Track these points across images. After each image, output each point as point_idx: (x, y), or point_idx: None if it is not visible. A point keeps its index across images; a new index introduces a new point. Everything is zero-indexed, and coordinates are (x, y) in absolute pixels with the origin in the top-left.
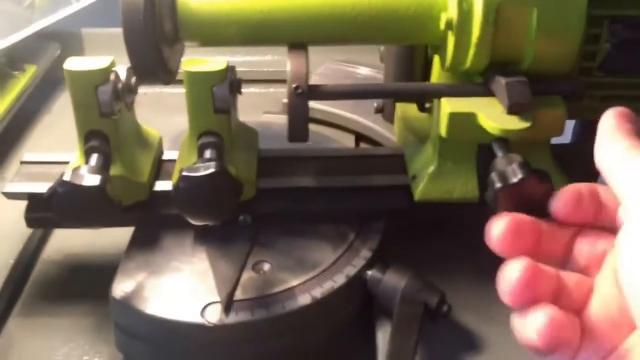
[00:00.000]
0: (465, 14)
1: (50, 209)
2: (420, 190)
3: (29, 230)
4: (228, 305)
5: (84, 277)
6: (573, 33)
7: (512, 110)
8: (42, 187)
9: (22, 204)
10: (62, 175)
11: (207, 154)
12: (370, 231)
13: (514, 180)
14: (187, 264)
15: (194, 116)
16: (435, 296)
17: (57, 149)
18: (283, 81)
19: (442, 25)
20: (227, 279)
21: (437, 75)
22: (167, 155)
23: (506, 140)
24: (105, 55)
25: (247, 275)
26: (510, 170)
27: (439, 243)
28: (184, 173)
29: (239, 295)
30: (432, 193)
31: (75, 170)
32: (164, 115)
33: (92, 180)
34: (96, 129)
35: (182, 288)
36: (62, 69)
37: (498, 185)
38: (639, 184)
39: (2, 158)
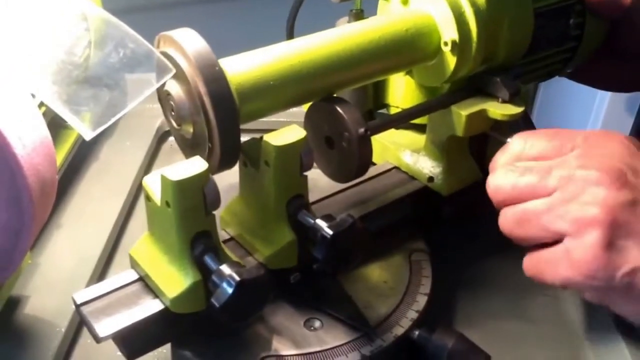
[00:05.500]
0: (465, 34)
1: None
2: (446, 187)
3: None
4: None
5: None
6: (528, 27)
7: (511, 98)
8: (130, 318)
9: None
10: (228, 281)
11: (304, 215)
12: (417, 290)
13: None
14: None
15: (284, 185)
16: (481, 358)
17: (107, 197)
18: None
19: (448, 46)
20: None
21: (405, 92)
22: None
23: (500, 125)
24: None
25: (299, 331)
26: None
27: (482, 300)
28: (332, 232)
29: (291, 351)
30: (454, 185)
31: (224, 271)
32: None
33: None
34: (201, 230)
35: (238, 343)
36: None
37: None
38: None
39: (56, 207)
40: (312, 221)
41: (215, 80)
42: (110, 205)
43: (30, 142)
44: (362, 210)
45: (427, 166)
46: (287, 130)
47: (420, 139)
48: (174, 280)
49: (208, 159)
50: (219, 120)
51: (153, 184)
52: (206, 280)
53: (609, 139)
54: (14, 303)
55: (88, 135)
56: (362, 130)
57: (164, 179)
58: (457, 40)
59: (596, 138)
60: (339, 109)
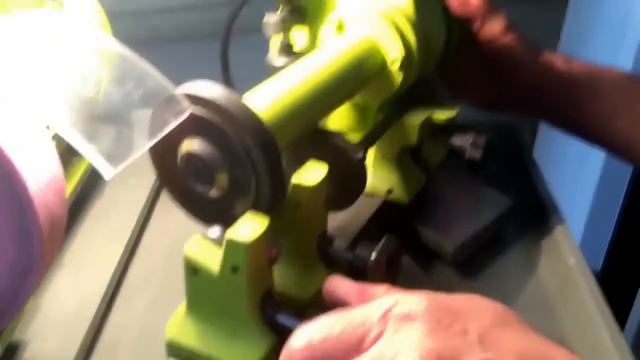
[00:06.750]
0: (409, 49)
1: None
2: (406, 194)
3: None
4: None
5: None
6: (443, 31)
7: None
8: None
9: None
10: None
11: (337, 250)
12: None
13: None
14: None
15: (314, 223)
16: None
17: (110, 237)
18: None
19: (396, 64)
20: None
21: (340, 114)
22: None
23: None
24: None
25: None
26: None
27: None
28: (385, 257)
29: None
30: (411, 192)
31: None
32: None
33: None
34: (267, 288)
35: None
36: None
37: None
38: None
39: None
40: (351, 253)
41: (259, 128)
42: (113, 246)
43: (43, 179)
44: (348, 239)
45: (382, 180)
46: (308, 168)
47: None
48: (245, 350)
49: (252, 209)
50: (269, 167)
51: (200, 254)
52: (283, 341)
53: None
54: (13, 348)
55: (109, 173)
56: (360, 155)
57: (232, 243)
58: (403, 57)
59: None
60: (334, 139)
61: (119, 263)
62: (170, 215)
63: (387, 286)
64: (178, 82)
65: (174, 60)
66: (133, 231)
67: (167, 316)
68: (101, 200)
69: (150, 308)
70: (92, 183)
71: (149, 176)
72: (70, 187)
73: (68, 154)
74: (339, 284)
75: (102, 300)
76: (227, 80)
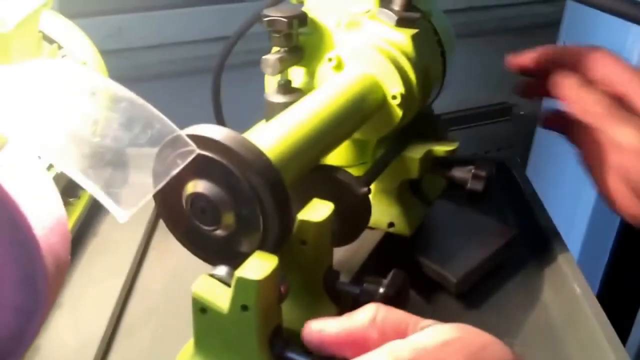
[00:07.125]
0: (409, 85)
1: None
2: (408, 227)
3: None
4: None
5: None
6: (440, 66)
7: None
8: None
9: None
10: None
11: (343, 285)
12: None
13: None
14: None
15: (320, 259)
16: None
17: (107, 275)
18: None
19: (397, 100)
20: None
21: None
22: None
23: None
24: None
25: None
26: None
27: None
28: (394, 290)
29: None
30: (413, 224)
31: None
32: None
33: None
34: (276, 325)
35: None
36: None
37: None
38: None
39: None
40: (358, 288)
41: (267, 167)
42: (112, 283)
43: (48, 222)
44: (351, 273)
45: (383, 214)
46: (313, 205)
47: None
48: None
49: (259, 247)
50: (278, 206)
51: (209, 293)
52: None
53: None
54: None
55: (123, 217)
56: (365, 189)
57: (242, 280)
58: (404, 93)
59: None
60: (338, 176)
61: (118, 301)
62: (167, 249)
63: (370, 319)
64: (172, 117)
65: (167, 95)
66: (131, 268)
67: (168, 353)
68: (97, 238)
69: (151, 345)
70: (88, 221)
71: (144, 211)
72: (68, 227)
73: (64, 195)
74: (324, 333)
75: (102, 340)
76: (218, 114)
